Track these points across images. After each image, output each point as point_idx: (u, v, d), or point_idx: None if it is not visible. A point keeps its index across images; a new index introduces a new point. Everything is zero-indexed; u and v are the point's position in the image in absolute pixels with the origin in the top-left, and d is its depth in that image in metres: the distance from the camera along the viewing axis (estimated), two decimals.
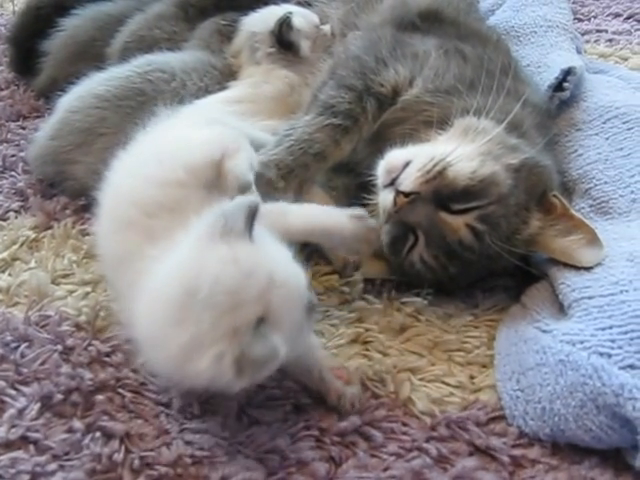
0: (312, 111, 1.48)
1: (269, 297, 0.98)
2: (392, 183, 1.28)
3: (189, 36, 1.78)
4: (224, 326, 0.96)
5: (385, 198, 1.29)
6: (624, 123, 1.54)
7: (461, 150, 1.30)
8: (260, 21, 1.67)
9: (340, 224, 1.25)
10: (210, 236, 1.00)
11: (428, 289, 1.37)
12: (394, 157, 1.31)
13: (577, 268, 1.25)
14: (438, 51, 1.52)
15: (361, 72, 1.51)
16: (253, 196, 1.15)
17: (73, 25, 1.86)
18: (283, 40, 1.63)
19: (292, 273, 1.03)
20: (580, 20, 2.33)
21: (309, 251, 1.40)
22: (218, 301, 0.96)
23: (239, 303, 0.96)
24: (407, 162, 1.29)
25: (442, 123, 1.38)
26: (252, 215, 1.01)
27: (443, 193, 1.26)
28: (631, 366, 1.06)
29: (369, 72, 1.50)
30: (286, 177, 1.37)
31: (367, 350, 1.26)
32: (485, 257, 1.29)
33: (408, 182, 1.27)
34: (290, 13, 1.63)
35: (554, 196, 1.34)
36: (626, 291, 1.16)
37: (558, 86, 1.63)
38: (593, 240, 1.27)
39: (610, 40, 2.22)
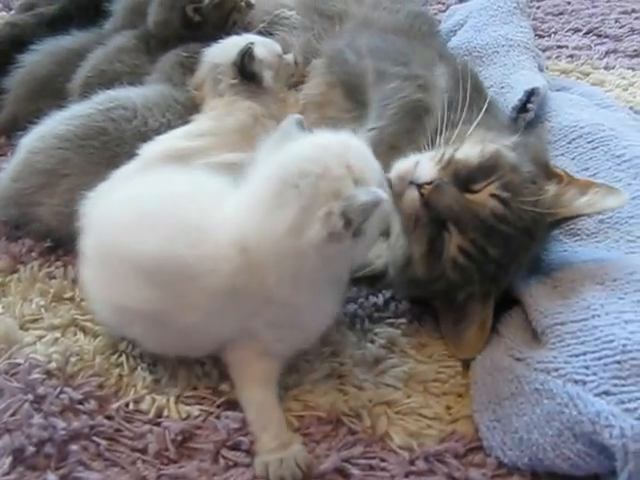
0: None
1: (353, 161, 1.12)
2: (409, 184, 1.29)
3: (151, 69, 1.76)
4: (323, 191, 1.08)
5: (408, 200, 1.29)
6: (589, 143, 1.56)
7: (458, 144, 1.33)
8: (222, 52, 1.65)
9: None
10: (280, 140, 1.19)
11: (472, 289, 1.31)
12: (401, 164, 1.32)
13: (548, 294, 1.25)
14: None
15: None
16: None
17: (32, 61, 1.83)
18: (245, 71, 1.61)
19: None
20: (541, 36, 2.35)
21: None
22: (308, 171, 1.09)
23: (328, 168, 1.10)
24: (416, 162, 1.30)
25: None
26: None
27: (461, 175, 1.28)
28: (606, 392, 1.06)
29: None
30: None
31: (342, 384, 1.25)
32: (520, 230, 1.27)
33: (426, 172, 1.28)
34: (252, 43, 1.61)
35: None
36: (598, 316, 1.16)
37: (522, 107, 1.64)
38: (609, 189, 1.29)
39: (571, 56, 2.23)
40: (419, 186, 1.27)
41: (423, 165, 1.29)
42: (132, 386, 1.23)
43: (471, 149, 1.31)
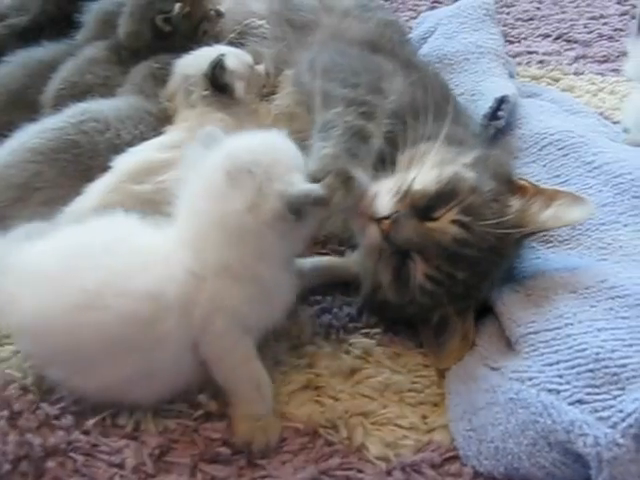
0: None
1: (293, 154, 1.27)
2: (369, 219, 1.30)
3: (122, 80, 1.75)
4: (275, 176, 1.20)
5: (369, 235, 1.30)
6: (559, 149, 1.57)
7: (417, 170, 1.32)
8: (193, 63, 1.65)
9: None
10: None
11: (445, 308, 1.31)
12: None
13: (522, 302, 1.26)
14: None
15: None
16: None
17: (4, 73, 1.82)
18: (217, 82, 1.61)
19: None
20: (511, 42, 2.36)
21: None
22: (260, 160, 1.21)
23: (277, 158, 1.23)
24: (374, 195, 1.30)
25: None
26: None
27: (420, 206, 1.28)
28: (580, 401, 1.06)
29: None
30: None
31: (319, 396, 1.25)
32: (486, 250, 1.28)
33: (384, 207, 1.28)
34: (223, 54, 1.61)
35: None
36: (571, 324, 1.17)
37: (493, 115, 1.65)
38: (575, 199, 1.29)
39: (541, 61, 2.24)
40: (378, 220, 1.28)
41: (381, 199, 1.29)
42: None
43: (428, 176, 1.30)
